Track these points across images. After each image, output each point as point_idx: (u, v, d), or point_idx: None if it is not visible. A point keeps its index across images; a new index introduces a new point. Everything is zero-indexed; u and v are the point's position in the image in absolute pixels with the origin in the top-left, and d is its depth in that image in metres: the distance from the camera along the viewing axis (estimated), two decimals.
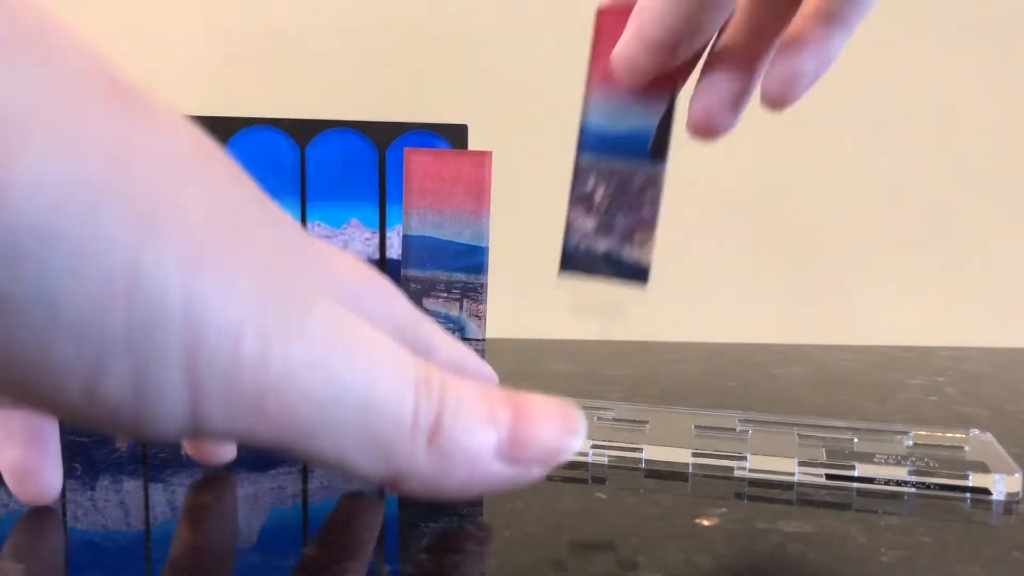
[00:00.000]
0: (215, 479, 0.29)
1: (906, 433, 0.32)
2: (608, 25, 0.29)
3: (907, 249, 0.64)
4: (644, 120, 0.30)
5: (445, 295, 0.33)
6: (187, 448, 0.23)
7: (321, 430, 0.15)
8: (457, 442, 0.16)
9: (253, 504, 0.27)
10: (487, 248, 0.32)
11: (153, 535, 0.24)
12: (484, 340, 0.33)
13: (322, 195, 0.41)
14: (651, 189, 0.30)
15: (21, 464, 0.23)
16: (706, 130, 0.29)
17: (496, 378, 0.27)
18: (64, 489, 0.27)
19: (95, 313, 0.12)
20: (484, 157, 0.32)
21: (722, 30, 0.29)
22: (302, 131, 0.41)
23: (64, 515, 0.25)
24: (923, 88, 0.63)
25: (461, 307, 0.33)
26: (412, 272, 0.33)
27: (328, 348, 0.15)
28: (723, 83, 0.29)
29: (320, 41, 0.63)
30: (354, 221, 0.42)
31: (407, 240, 0.33)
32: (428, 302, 0.33)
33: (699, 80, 0.30)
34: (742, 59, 0.29)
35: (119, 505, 0.26)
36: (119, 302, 0.12)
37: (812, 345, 0.57)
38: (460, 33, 0.64)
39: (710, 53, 0.30)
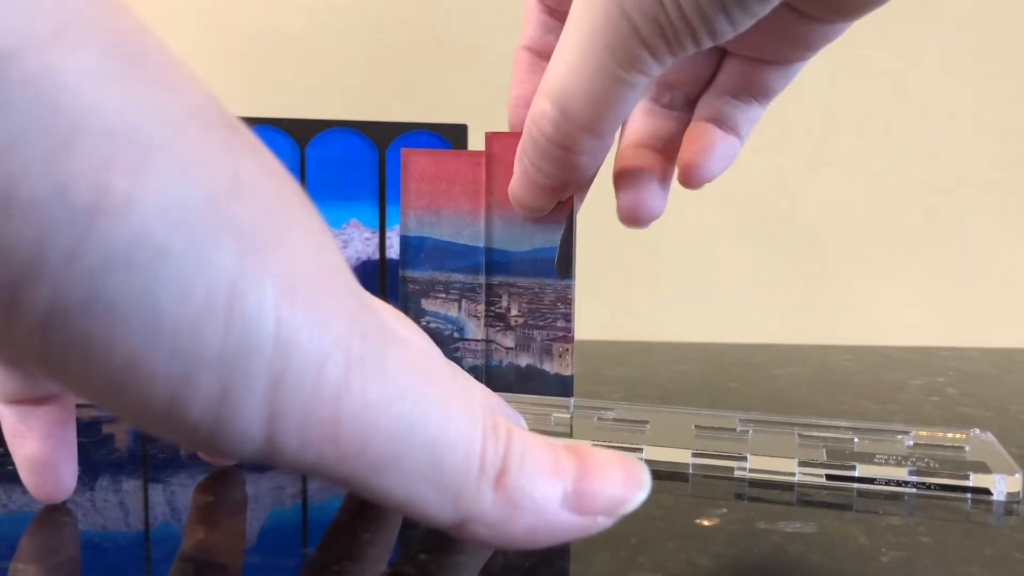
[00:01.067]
0: (215, 479, 0.29)
1: (907, 433, 0.32)
2: (499, 150, 0.31)
3: (907, 249, 0.64)
4: (547, 239, 0.31)
5: (443, 296, 0.33)
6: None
7: (391, 466, 0.15)
8: (524, 488, 0.16)
9: (253, 504, 0.27)
10: (485, 248, 0.32)
11: (153, 535, 0.24)
12: (483, 340, 0.33)
13: (321, 195, 0.41)
14: (562, 303, 0.32)
15: (39, 459, 0.23)
16: (637, 221, 0.30)
17: (526, 426, 0.27)
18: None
19: (193, 328, 0.13)
20: (482, 157, 0.32)
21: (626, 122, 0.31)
22: (301, 131, 0.41)
23: (64, 515, 0.25)
24: (923, 88, 0.63)
25: (460, 307, 0.33)
26: (410, 273, 0.33)
27: (404, 385, 0.15)
28: (640, 175, 0.30)
29: (320, 41, 0.63)
30: (353, 221, 0.42)
31: (405, 241, 0.33)
32: (426, 303, 0.33)
33: (617, 174, 0.31)
34: (652, 150, 0.30)
35: (119, 505, 0.26)
36: (217, 320, 0.13)
37: (812, 345, 0.57)
38: (460, 33, 0.64)
39: (622, 146, 0.31)
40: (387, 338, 0.15)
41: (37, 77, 0.11)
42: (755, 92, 0.29)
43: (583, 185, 0.29)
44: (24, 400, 0.23)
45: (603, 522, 0.17)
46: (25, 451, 0.23)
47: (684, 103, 0.30)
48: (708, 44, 0.22)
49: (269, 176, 0.14)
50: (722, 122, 0.29)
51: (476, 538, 0.17)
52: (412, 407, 0.15)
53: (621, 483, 0.18)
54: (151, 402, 0.13)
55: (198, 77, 0.14)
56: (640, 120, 0.31)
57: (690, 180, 0.29)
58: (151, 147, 0.12)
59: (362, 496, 0.16)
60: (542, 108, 0.25)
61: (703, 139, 0.29)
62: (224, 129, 0.14)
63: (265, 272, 0.13)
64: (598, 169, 0.29)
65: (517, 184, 0.29)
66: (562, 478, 0.17)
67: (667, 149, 0.30)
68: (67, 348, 0.12)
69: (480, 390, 0.25)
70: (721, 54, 0.30)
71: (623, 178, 0.30)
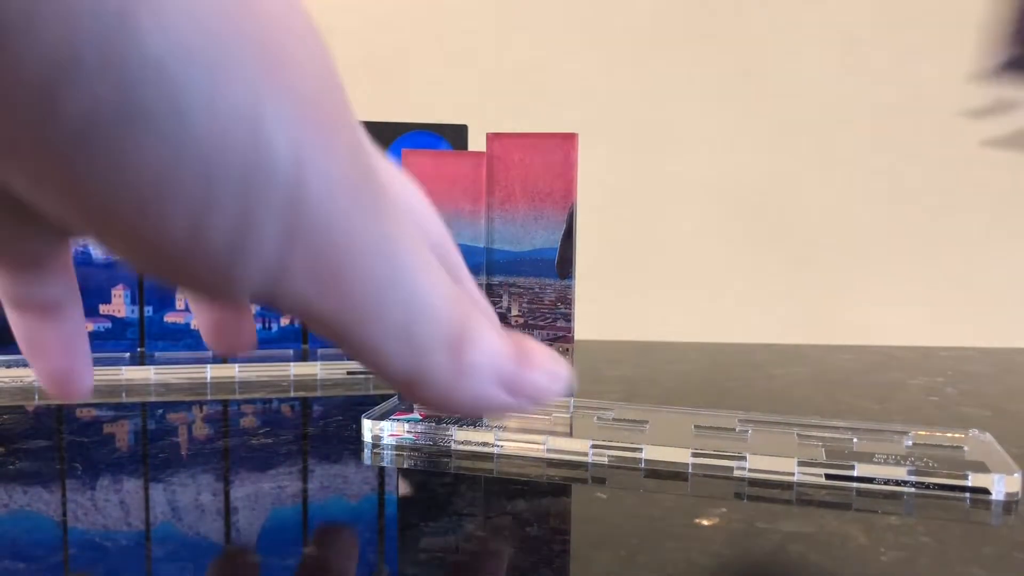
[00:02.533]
0: (215, 479, 0.29)
1: (906, 433, 0.32)
2: (499, 151, 0.32)
3: (907, 249, 0.64)
4: (547, 239, 0.32)
5: None
6: (209, 335, 0.23)
7: (376, 315, 0.16)
8: (475, 360, 0.17)
9: (253, 504, 0.27)
10: (485, 248, 0.32)
11: (153, 535, 0.24)
12: None
13: None
14: (562, 303, 0.32)
15: (57, 371, 0.23)
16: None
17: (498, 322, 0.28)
18: (64, 489, 0.27)
19: (220, 141, 0.13)
20: (482, 157, 0.32)
21: None
22: None
23: (64, 515, 0.25)
24: (923, 89, 0.63)
25: None
26: None
27: (396, 235, 0.16)
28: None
29: None
30: None
31: None
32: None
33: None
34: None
35: (119, 505, 0.26)
36: (243, 133, 0.13)
37: (812, 345, 0.57)
38: (460, 33, 0.64)
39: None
40: (383, 183, 0.16)
41: None
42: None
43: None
44: (31, 307, 0.22)
45: (528, 405, 0.19)
46: (43, 364, 0.23)
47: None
48: None
49: (290, 6, 0.14)
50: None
51: (423, 399, 0.18)
52: (401, 258, 0.16)
53: (548, 376, 0.19)
54: (175, 226, 0.13)
55: None
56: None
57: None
58: None
59: (333, 342, 0.16)
60: None
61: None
62: None
63: (284, 87, 0.13)
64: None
65: None
66: (504, 360, 0.18)
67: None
68: (96, 164, 0.12)
69: None
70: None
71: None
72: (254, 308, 0.24)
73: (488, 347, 0.18)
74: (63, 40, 0.12)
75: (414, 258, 0.16)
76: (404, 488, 0.29)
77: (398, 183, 0.24)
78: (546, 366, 0.19)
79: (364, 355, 0.17)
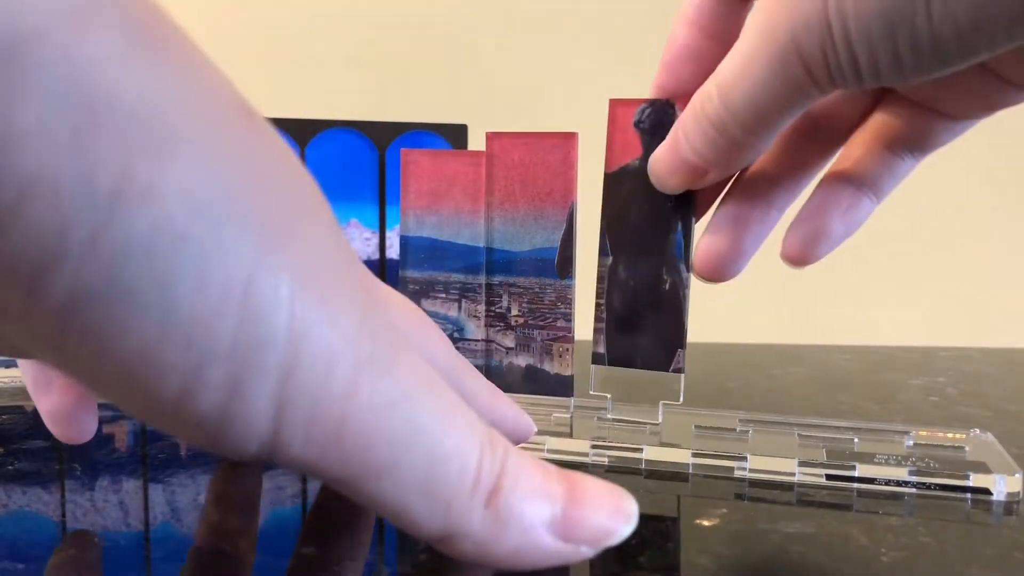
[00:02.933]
0: (215, 479, 0.29)
1: (906, 433, 0.32)
2: (499, 150, 0.32)
3: (907, 249, 0.64)
4: (547, 238, 0.32)
5: (443, 296, 0.33)
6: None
7: (390, 471, 0.15)
8: (514, 508, 0.16)
9: (253, 504, 0.27)
10: (485, 248, 0.32)
11: (153, 535, 0.24)
12: (483, 340, 0.33)
13: None
14: (562, 303, 0.32)
15: (61, 411, 0.23)
16: (712, 275, 0.29)
17: (535, 429, 0.28)
18: (64, 489, 0.27)
19: (208, 319, 0.13)
20: (481, 157, 0.32)
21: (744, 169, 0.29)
22: (302, 131, 0.41)
23: (64, 515, 0.25)
24: None
25: (460, 308, 0.33)
26: (410, 273, 0.33)
27: (411, 391, 0.15)
28: (738, 226, 0.29)
29: (320, 41, 0.63)
30: (354, 221, 0.42)
31: (404, 241, 0.33)
32: (426, 303, 0.33)
33: (714, 217, 0.30)
34: (764, 202, 0.29)
35: (119, 505, 0.26)
36: (232, 311, 0.13)
37: (812, 345, 0.57)
38: (460, 33, 0.64)
39: (730, 187, 0.30)
40: (396, 340, 0.15)
41: (60, 59, 0.11)
42: (913, 144, 0.27)
43: (724, 173, 0.27)
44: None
45: (586, 552, 0.17)
46: (47, 405, 0.24)
47: (829, 139, 0.28)
48: (872, 86, 0.21)
49: (285, 166, 0.14)
50: (862, 179, 0.27)
51: (460, 554, 0.17)
52: (417, 413, 0.15)
53: (609, 514, 0.18)
54: (161, 394, 0.13)
55: (216, 64, 0.14)
56: (776, 144, 0.29)
57: (792, 262, 0.28)
58: (174, 134, 0.12)
59: (355, 500, 0.16)
60: (708, 90, 0.24)
61: (820, 220, 0.27)
62: (242, 118, 0.14)
63: (281, 264, 0.13)
64: (745, 165, 0.27)
65: (662, 153, 0.28)
66: (552, 502, 0.17)
67: (792, 185, 0.29)
68: (83, 336, 0.12)
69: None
70: (884, 90, 0.27)
71: (718, 221, 0.29)
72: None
73: (529, 487, 0.16)
74: (52, 228, 0.11)
75: (434, 409, 0.15)
76: None
77: (398, 309, 0.23)
78: (603, 503, 0.17)
79: (386, 512, 0.16)
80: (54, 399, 0.23)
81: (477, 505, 0.16)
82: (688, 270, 0.31)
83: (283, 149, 0.15)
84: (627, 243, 0.31)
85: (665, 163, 0.28)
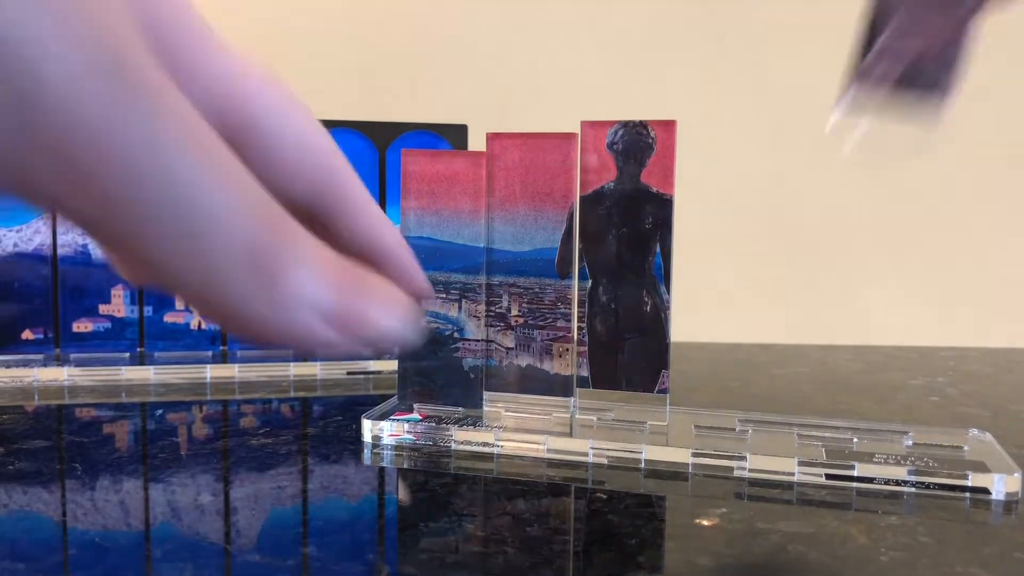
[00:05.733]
0: (215, 479, 0.29)
1: (906, 433, 0.32)
2: (499, 150, 0.32)
3: (907, 249, 0.64)
4: (547, 239, 0.32)
5: (444, 296, 0.33)
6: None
7: (147, 223, 0.14)
8: (289, 289, 0.16)
9: (253, 504, 0.27)
10: (485, 248, 0.32)
11: (153, 535, 0.24)
12: (484, 340, 0.33)
13: None
14: (562, 303, 0.32)
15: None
16: None
17: (429, 286, 0.26)
18: (64, 489, 0.27)
19: None
20: (481, 157, 0.32)
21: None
22: None
23: (64, 515, 0.25)
24: None
25: (460, 307, 0.33)
26: None
27: (180, 138, 0.14)
28: None
29: (320, 41, 0.63)
30: None
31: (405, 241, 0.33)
32: (427, 303, 0.33)
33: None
34: None
35: (118, 505, 0.26)
36: None
37: (812, 345, 0.57)
38: (460, 33, 0.64)
39: None
40: (151, 80, 0.14)
41: None
42: None
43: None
44: None
45: (363, 346, 0.17)
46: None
47: None
48: None
49: None
50: None
51: (233, 329, 0.16)
52: (185, 157, 0.14)
53: (382, 308, 0.17)
54: None
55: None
56: None
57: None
58: None
59: (128, 263, 0.15)
60: None
61: None
62: None
63: None
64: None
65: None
66: (329, 289, 0.16)
67: None
68: None
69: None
70: None
71: None
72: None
73: (309, 274, 0.16)
74: None
75: (199, 159, 0.14)
76: (404, 488, 0.29)
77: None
78: (381, 299, 0.17)
79: (152, 271, 0.15)
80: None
81: (250, 278, 0.15)
82: (668, 291, 0.31)
83: None
84: (606, 267, 0.31)
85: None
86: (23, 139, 0.13)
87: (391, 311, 0.17)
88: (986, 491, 0.28)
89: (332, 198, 0.20)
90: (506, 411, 0.33)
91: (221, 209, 0.15)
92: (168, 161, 0.14)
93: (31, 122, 0.13)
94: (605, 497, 0.27)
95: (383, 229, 0.23)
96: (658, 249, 0.31)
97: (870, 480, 0.28)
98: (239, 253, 0.15)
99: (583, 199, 0.31)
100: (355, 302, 0.17)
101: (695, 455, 0.30)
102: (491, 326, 0.33)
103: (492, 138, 0.32)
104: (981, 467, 0.28)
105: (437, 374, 0.33)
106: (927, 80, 0.28)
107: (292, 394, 0.41)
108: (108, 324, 0.45)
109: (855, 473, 0.28)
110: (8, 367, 0.43)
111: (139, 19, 0.17)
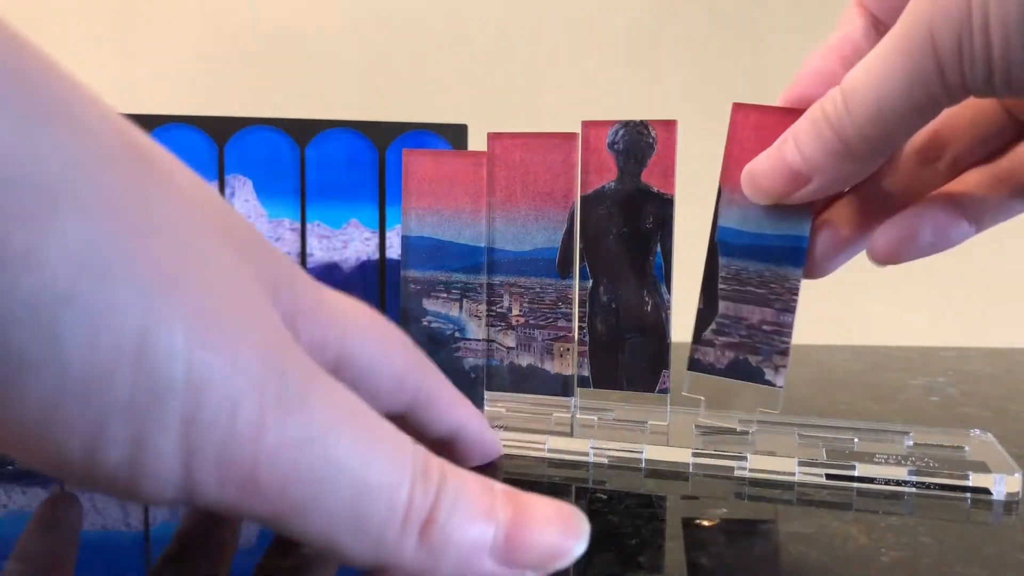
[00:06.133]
0: None
1: (906, 433, 0.32)
2: (500, 150, 0.32)
3: None
4: (548, 238, 0.32)
5: (445, 295, 0.33)
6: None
7: (312, 509, 0.15)
8: (450, 537, 0.16)
9: None
10: (486, 248, 0.32)
11: (153, 535, 0.24)
12: (485, 340, 0.33)
13: (322, 195, 0.41)
14: (563, 303, 0.32)
15: None
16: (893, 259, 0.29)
17: (499, 447, 0.27)
18: (63, 489, 0.27)
19: (103, 375, 0.12)
20: (482, 157, 0.32)
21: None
22: (302, 131, 0.41)
23: (63, 515, 0.25)
24: None
25: (461, 307, 0.33)
26: (411, 273, 0.33)
27: (326, 426, 0.15)
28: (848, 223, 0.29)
29: (320, 41, 0.63)
30: (354, 221, 0.42)
31: (406, 241, 0.33)
32: (427, 303, 0.33)
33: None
34: (877, 198, 0.29)
35: (119, 505, 0.26)
36: (126, 366, 0.13)
37: (812, 345, 0.57)
38: (460, 33, 0.64)
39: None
40: (308, 374, 0.15)
41: None
42: None
43: (824, 188, 0.26)
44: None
45: (533, 574, 0.17)
46: None
47: (948, 166, 0.28)
48: (1004, 95, 0.21)
49: (183, 205, 0.14)
50: (969, 204, 0.27)
51: None
52: (334, 448, 0.15)
53: (556, 533, 0.17)
54: (68, 453, 0.13)
55: (101, 101, 0.14)
56: (894, 160, 0.28)
57: (876, 260, 0.29)
58: (51, 192, 0.12)
59: (286, 536, 0.15)
60: (832, 93, 0.24)
61: (914, 225, 0.27)
62: (131, 162, 0.13)
63: (174, 313, 0.13)
64: (846, 182, 0.27)
65: (763, 158, 0.27)
66: (493, 521, 0.16)
67: (895, 202, 0.28)
68: None
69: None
70: (1019, 134, 0.27)
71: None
72: None
73: (466, 515, 0.16)
74: None
75: (354, 442, 0.15)
76: None
77: (345, 314, 0.21)
78: (551, 523, 0.17)
79: (318, 547, 0.15)
80: None
81: (409, 538, 0.15)
82: (669, 291, 0.31)
83: (180, 183, 0.14)
84: (606, 266, 0.31)
85: (765, 167, 0.27)
86: (189, 459, 0.14)
87: (558, 527, 0.17)
88: (987, 491, 0.28)
89: (420, 404, 0.20)
90: (507, 411, 0.33)
91: (384, 481, 0.15)
92: (333, 453, 0.15)
93: (196, 444, 0.14)
94: (605, 497, 0.27)
95: (460, 411, 0.24)
96: (659, 249, 0.31)
97: (871, 480, 0.28)
98: (403, 517, 0.15)
99: (583, 199, 0.31)
100: (521, 530, 0.16)
101: (695, 455, 0.30)
102: (492, 326, 0.33)
103: (493, 138, 0.32)
104: (982, 467, 0.28)
105: None
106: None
107: None
108: None
109: (856, 473, 0.28)
110: None
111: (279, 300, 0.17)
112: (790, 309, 0.30)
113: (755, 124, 0.29)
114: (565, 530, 0.17)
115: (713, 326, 0.31)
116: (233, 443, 0.14)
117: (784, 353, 0.30)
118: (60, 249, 0.12)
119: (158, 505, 0.14)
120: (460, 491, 0.16)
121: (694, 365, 0.31)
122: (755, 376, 0.30)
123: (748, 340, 0.30)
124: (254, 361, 0.14)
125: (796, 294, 0.30)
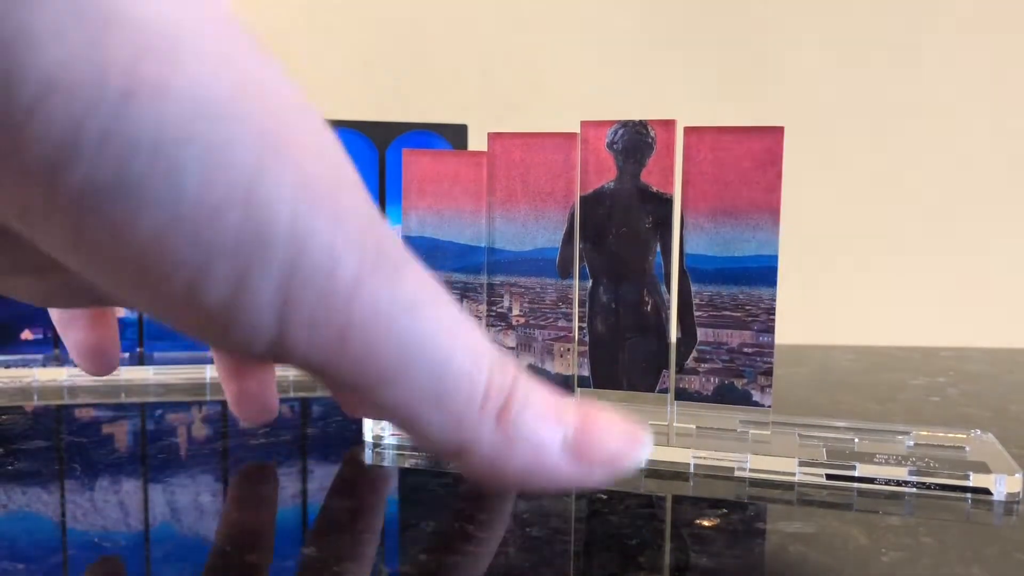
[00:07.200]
0: (215, 480, 0.29)
1: (907, 433, 0.32)
2: (500, 150, 0.32)
3: (907, 249, 0.64)
4: (548, 239, 0.32)
5: None
6: (233, 404, 0.24)
7: (398, 379, 0.15)
8: (524, 426, 0.16)
9: (254, 504, 0.27)
10: (486, 248, 0.32)
11: (153, 535, 0.24)
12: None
13: None
14: (563, 303, 0.32)
15: (86, 344, 0.24)
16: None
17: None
18: (64, 489, 0.27)
19: (213, 214, 0.13)
20: (482, 157, 0.32)
21: None
22: None
23: (64, 515, 0.25)
24: (923, 88, 0.63)
25: (461, 307, 0.33)
26: None
27: (418, 301, 0.15)
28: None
29: (320, 41, 0.63)
30: None
31: (406, 241, 0.33)
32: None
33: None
34: None
35: (118, 506, 0.26)
36: (236, 208, 0.13)
37: (812, 345, 0.57)
38: (460, 33, 0.64)
39: None
40: (404, 256, 0.16)
41: None
42: None
43: None
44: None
45: (600, 474, 0.17)
46: (73, 339, 0.24)
47: None
48: None
49: (288, 85, 0.15)
50: None
51: (472, 469, 0.17)
52: (423, 323, 0.15)
53: (621, 438, 0.18)
54: (172, 287, 0.14)
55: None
56: None
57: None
58: (180, 40, 0.13)
59: (370, 408, 0.16)
60: None
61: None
62: (247, 37, 0.15)
63: (284, 168, 0.14)
64: None
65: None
66: (563, 424, 0.17)
67: None
68: (98, 229, 0.13)
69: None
70: None
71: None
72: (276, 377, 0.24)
73: (540, 408, 0.17)
74: (66, 125, 0.12)
75: (443, 321, 0.16)
76: (405, 488, 0.29)
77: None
78: (616, 428, 0.17)
79: (399, 421, 0.16)
80: (79, 334, 0.24)
81: (487, 421, 0.16)
82: (669, 291, 0.31)
83: (282, 70, 0.15)
84: (606, 266, 0.31)
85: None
86: (285, 308, 0.14)
87: (623, 433, 0.18)
88: (987, 492, 0.28)
89: None
90: None
91: (468, 362, 0.16)
92: (420, 325, 0.15)
93: (294, 293, 0.14)
94: (605, 497, 0.27)
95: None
96: (658, 248, 0.31)
97: (871, 480, 0.28)
98: (482, 399, 0.16)
99: (583, 199, 0.31)
100: (589, 432, 0.17)
101: (696, 455, 0.30)
102: (492, 326, 0.33)
103: (493, 138, 0.32)
104: (982, 468, 0.28)
105: None
106: None
107: (292, 394, 0.41)
108: None
109: (856, 473, 0.28)
110: (7, 367, 0.43)
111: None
112: (769, 329, 0.30)
113: (711, 146, 0.30)
114: (631, 435, 0.18)
115: (695, 354, 0.31)
116: (328, 299, 0.14)
117: (768, 373, 0.30)
118: (185, 90, 0.13)
119: (245, 354, 0.15)
120: (533, 387, 0.17)
121: (680, 395, 0.31)
122: (743, 400, 0.30)
123: (731, 364, 0.30)
124: (354, 225, 0.15)
125: (773, 314, 0.30)
